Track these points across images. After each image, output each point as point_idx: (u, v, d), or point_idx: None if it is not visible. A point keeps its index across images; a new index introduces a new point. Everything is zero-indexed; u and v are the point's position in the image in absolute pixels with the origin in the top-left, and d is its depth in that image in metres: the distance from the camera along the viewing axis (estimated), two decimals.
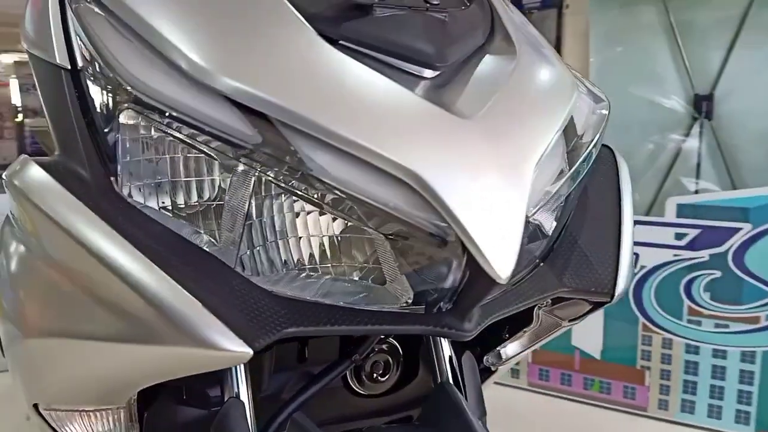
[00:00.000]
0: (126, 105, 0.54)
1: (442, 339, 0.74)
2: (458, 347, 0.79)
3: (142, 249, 0.50)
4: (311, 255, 0.54)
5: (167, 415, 0.73)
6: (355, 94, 0.52)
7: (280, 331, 0.51)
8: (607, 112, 0.69)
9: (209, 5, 0.56)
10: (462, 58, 0.58)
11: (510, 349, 0.84)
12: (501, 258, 0.48)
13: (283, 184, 0.52)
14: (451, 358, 0.76)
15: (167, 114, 0.52)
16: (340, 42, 0.55)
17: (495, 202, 0.49)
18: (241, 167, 0.52)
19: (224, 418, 0.64)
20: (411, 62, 0.55)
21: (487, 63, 0.59)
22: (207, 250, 0.54)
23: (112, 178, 0.55)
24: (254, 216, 0.53)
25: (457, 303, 0.54)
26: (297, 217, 0.53)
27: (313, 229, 0.53)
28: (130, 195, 0.55)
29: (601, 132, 0.67)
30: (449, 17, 0.60)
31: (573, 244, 0.67)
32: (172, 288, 0.49)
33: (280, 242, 0.54)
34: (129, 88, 0.53)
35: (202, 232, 0.55)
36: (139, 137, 0.55)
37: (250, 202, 0.53)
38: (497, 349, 0.84)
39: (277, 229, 0.53)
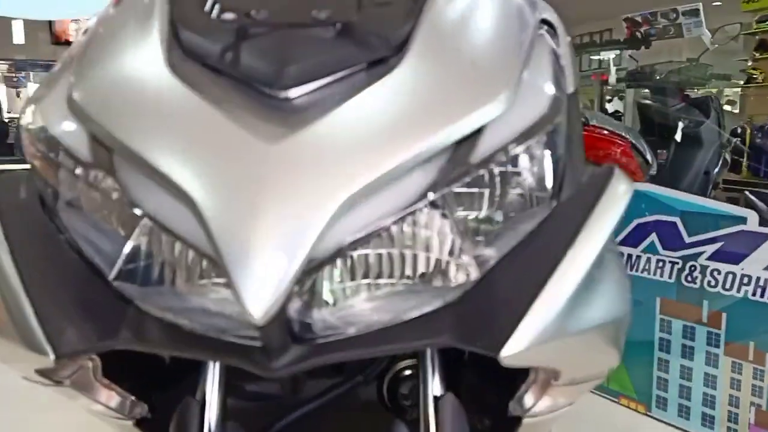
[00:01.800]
0: None
1: (431, 376, 0.66)
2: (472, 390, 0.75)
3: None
4: (176, 274, 0.53)
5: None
6: (169, 122, 0.53)
7: (91, 344, 0.55)
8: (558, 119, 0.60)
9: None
10: (322, 76, 0.54)
11: (528, 397, 0.67)
12: (255, 298, 0.45)
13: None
14: (436, 398, 0.67)
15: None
16: (205, 63, 0.57)
17: (265, 238, 0.45)
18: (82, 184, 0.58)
19: (179, 416, 0.65)
20: (258, 83, 0.54)
21: (351, 82, 0.55)
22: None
23: None
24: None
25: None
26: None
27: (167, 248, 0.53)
28: None
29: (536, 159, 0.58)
30: (340, 31, 0.57)
31: (486, 286, 0.56)
32: (12, 287, 0.56)
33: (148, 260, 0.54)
34: None
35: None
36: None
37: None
38: (517, 395, 0.68)
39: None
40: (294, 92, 0.53)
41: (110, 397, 0.69)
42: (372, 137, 0.50)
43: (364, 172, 0.48)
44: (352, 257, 0.50)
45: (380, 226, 0.50)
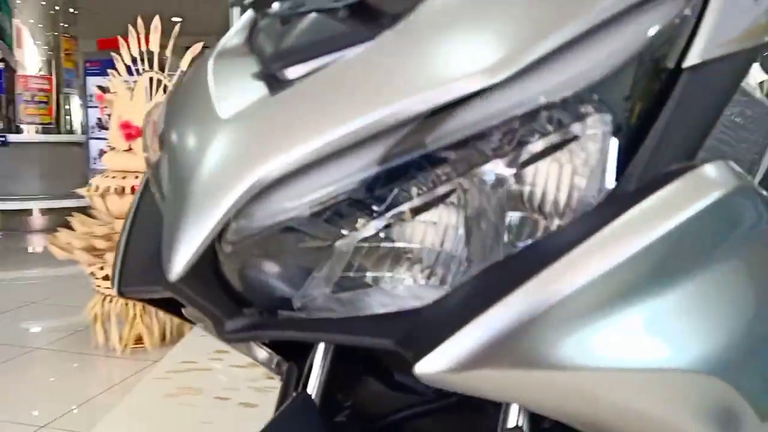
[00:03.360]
0: None
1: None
2: None
3: None
4: None
5: None
6: (186, 101, 0.59)
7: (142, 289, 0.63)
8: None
9: None
10: (317, 55, 0.50)
11: None
12: (173, 258, 0.47)
13: None
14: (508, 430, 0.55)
15: None
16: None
17: (193, 201, 0.47)
18: None
19: (284, 382, 0.70)
20: (265, 65, 0.54)
21: (331, 59, 0.50)
22: None
23: None
24: None
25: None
26: None
27: None
28: None
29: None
30: (345, 14, 0.52)
31: (459, 292, 0.48)
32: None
33: None
34: None
35: None
36: None
37: None
38: None
39: None
40: (292, 71, 0.51)
41: (260, 353, 0.78)
42: (315, 109, 0.46)
43: (306, 140, 0.45)
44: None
45: (326, 195, 0.45)
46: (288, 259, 0.49)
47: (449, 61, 0.45)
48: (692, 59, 0.51)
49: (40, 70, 6.40)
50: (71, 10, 6.69)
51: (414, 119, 0.44)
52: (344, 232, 0.46)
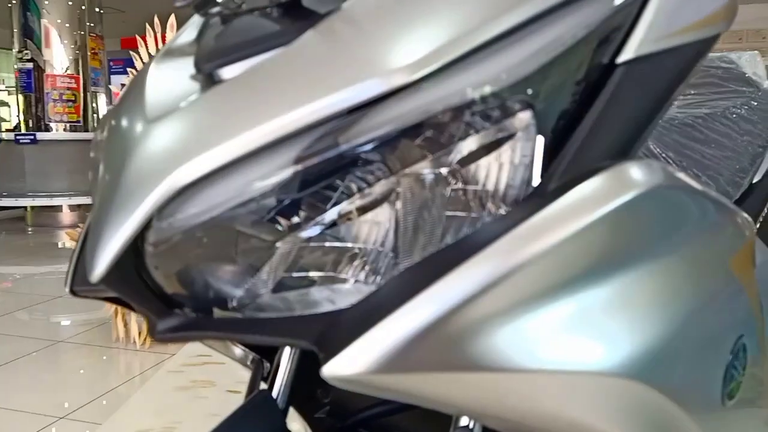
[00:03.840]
0: None
1: None
2: None
3: None
4: None
5: None
6: (125, 107, 0.57)
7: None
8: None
9: None
10: (247, 56, 0.50)
11: None
12: (94, 259, 0.46)
13: None
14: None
15: None
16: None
17: (114, 204, 0.46)
18: None
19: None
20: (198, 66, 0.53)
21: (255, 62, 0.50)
22: None
23: None
24: None
25: None
26: None
27: None
28: None
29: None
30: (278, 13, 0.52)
31: (380, 292, 0.47)
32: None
33: None
34: None
35: None
36: None
37: None
38: None
39: None
40: (227, 71, 0.50)
41: (236, 351, 0.77)
42: (239, 111, 0.45)
43: (199, 146, 0.45)
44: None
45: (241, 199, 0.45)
46: (226, 259, 0.48)
47: (368, 59, 0.44)
48: (626, 54, 0.49)
49: (67, 69, 6.54)
50: (96, 9, 6.82)
51: (331, 118, 0.43)
52: (286, 231, 0.45)
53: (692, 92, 1.16)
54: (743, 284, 0.53)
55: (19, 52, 6.53)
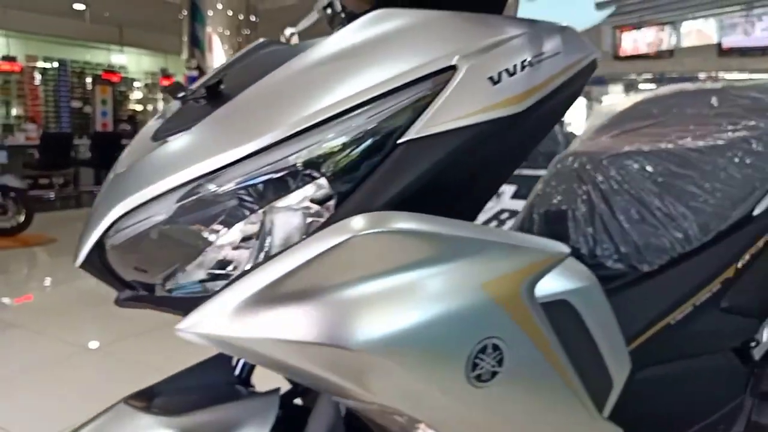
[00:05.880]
0: None
1: None
2: None
3: None
4: None
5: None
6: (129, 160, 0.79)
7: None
8: None
9: None
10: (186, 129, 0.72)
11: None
12: (78, 252, 0.71)
13: None
14: None
15: None
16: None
17: (93, 216, 0.71)
18: None
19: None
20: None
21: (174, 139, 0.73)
22: None
23: None
24: None
25: None
26: None
27: None
28: None
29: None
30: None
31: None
32: None
33: None
34: None
35: None
36: None
37: None
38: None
39: None
40: (171, 140, 0.73)
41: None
42: (151, 172, 0.69)
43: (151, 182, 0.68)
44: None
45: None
46: (150, 259, 0.71)
47: (227, 139, 0.67)
48: (408, 135, 0.66)
49: None
50: (251, 18, 7.51)
51: (199, 178, 0.66)
52: (210, 239, 0.68)
53: (711, 123, 1.16)
54: (499, 303, 0.66)
55: (187, 60, 7.38)
